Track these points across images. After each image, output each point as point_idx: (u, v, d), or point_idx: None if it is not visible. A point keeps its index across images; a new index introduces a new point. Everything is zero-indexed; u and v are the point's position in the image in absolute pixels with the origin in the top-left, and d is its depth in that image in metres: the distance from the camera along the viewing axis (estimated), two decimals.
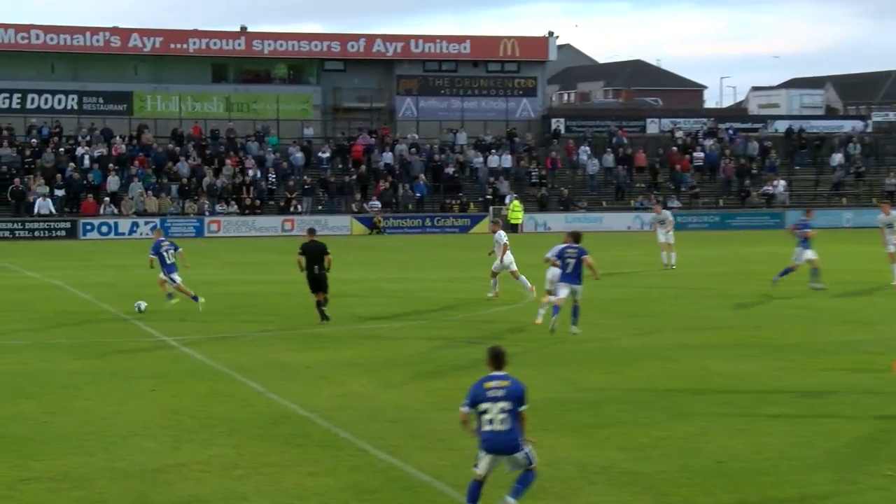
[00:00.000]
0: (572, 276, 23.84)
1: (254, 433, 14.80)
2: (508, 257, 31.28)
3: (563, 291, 23.86)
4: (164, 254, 29.36)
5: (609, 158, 79.54)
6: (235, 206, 71.81)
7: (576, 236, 24.81)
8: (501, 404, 11.14)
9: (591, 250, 24.92)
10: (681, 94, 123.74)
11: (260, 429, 15.07)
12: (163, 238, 30.18)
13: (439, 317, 27.53)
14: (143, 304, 28.19)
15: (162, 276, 29.27)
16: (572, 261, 23.87)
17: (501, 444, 11.15)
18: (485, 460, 11.24)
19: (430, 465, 13.26)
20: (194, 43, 79.19)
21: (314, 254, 26.30)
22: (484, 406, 11.15)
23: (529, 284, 30.46)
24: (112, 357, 21.19)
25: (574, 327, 23.81)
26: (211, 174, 73.16)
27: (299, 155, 76.66)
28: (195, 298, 28.65)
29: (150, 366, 20.13)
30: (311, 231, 27.62)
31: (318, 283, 26.30)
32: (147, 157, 73.82)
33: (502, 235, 31.75)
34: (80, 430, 14.94)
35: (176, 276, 29.17)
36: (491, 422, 11.12)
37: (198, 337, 23.76)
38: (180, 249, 29.89)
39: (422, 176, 75.53)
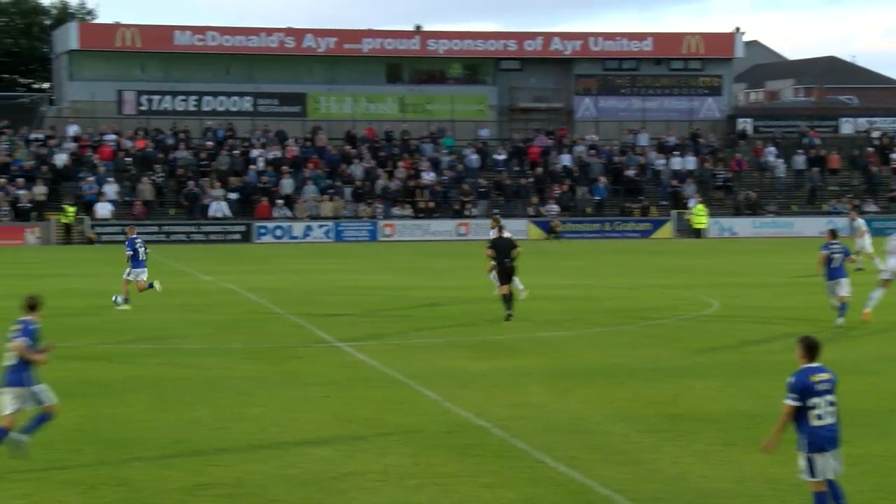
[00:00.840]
0: (839, 270, 26.42)
1: (429, 442, 14.97)
2: None
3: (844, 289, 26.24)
4: (139, 250, 31.32)
5: (800, 160, 78.00)
6: (409, 209, 72.53)
7: (833, 233, 27.56)
8: (829, 397, 11.19)
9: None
10: (878, 91, 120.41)
11: (435, 438, 15.23)
12: (136, 236, 32.15)
13: (618, 325, 27.39)
14: (120, 298, 30.50)
15: (127, 274, 31.23)
16: (838, 256, 26.45)
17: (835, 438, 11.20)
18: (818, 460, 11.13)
19: (609, 478, 13.24)
20: (368, 43, 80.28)
21: (503, 248, 28.41)
22: (814, 401, 11.10)
23: (521, 286, 30.89)
24: (286, 363, 21.65)
25: (840, 319, 25.99)
26: (385, 176, 74.07)
27: (474, 157, 77.08)
28: (150, 286, 31.18)
29: (323, 372, 20.50)
30: (500, 226, 29.88)
31: (507, 275, 28.16)
32: (321, 160, 75.15)
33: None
34: (254, 436, 15.31)
35: (144, 274, 31.29)
36: (821, 416, 11.13)
37: (371, 343, 24.11)
38: (148, 250, 32.36)
39: (601, 178, 75.20)
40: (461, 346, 23.98)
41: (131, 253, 31.35)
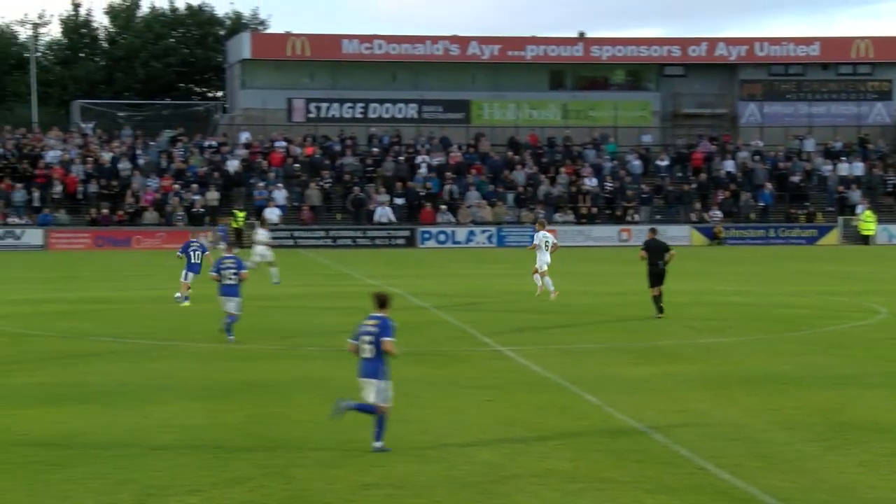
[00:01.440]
0: None
1: (590, 447, 14.86)
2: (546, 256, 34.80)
3: None
4: (191, 254, 33.23)
5: None
6: (571, 215, 72.31)
7: None
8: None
9: None
10: None
11: (597, 443, 15.12)
12: (194, 240, 34.35)
13: (782, 332, 26.87)
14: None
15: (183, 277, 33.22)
16: None
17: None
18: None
19: (774, 487, 12.96)
20: (532, 50, 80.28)
21: (656, 250, 29.54)
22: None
23: (552, 287, 33.35)
24: (449, 366, 21.73)
25: None
26: (547, 182, 73.97)
27: (637, 163, 76.51)
28: (185, 299, 32.69)
29: (486, 376, 20.52)
30: (653, 230, 31.22)
31: (658, 277, 29.36)
32: (484, 165, 75.39)
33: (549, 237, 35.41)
34: (418, 438, 15.38)
35: (191, 276, 33.11)
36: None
37: (534, 348, 24.06)
38: (207, 253, 33.80)
39: (766, 184, 73.94)
40: (623, 351, 23.79)
41: (183, 255, 33.52)
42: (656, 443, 15.13)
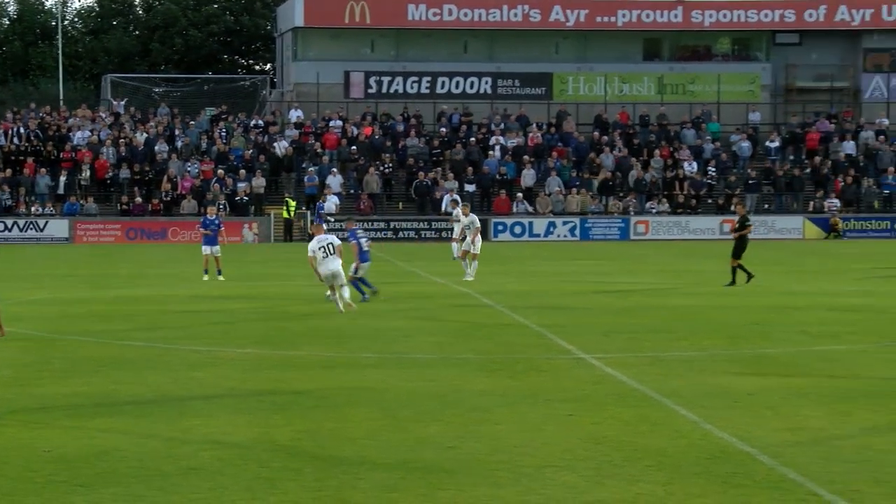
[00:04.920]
0: None
1: (686, 469, 14.83)
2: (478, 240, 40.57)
3: None
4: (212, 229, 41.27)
5: None
6: (666, 204, 72.05)
7: None
8: None
9: None
10: None
11: (693, 464, 15.09)
12: (214, 217, 42.33)
13: None
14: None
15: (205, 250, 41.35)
16: None
17: None
18: None
19: None
20: (624, 15, 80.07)
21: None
22: None
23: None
24: (525, 376, 21.75)
25: None
26: (639, 167, 73.74)
27: (744, 144, 76.15)
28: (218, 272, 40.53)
29: (567, 387, 20.52)
30: (741, 206, 41.09)
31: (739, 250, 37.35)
32: (567, 148, 75.29)
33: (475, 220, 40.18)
34: (489, 457, 15.43)
35: (217, 249, 41.39)
36: None
37: (623, 356, 24.03)
38: (223, 228, 42.04)
39: (891, 169, 73.25)
40: (726, 360, 23.68)
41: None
42: (762, 465, 15.07)
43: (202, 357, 23.96)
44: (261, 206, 69.92)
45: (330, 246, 30.89)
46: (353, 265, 33.72)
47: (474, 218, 41.67)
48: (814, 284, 39.96)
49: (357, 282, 33.23)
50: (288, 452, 15.69)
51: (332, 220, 50.90)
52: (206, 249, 41.76)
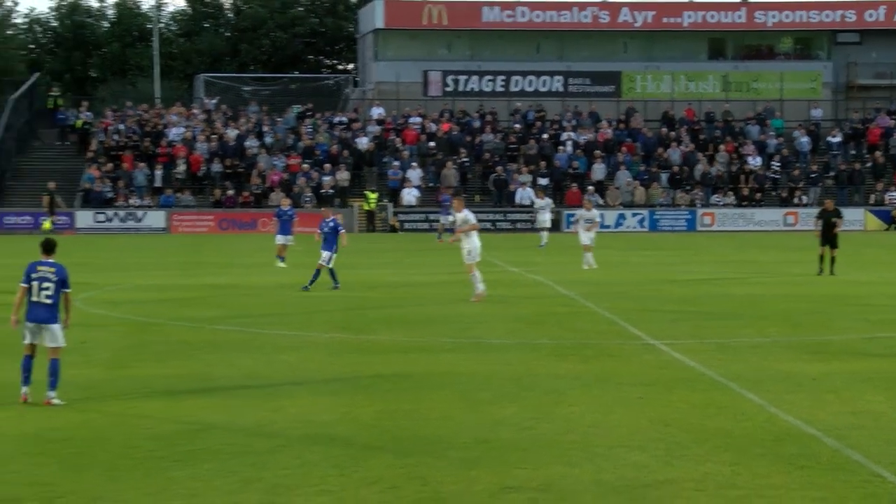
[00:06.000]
0: None
1: (752, 451, 14.70)
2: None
3: None
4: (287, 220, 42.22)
5: None
6: (732, 197, 71.53)
7: None
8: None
9: None
10: None
11: (759, 446, 14.96)
12: (287, 208, 43.15)
13: None
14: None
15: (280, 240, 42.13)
16: None
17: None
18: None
19: None
20: (689, 16, 79.55)
21: (830, 220, 38.35)
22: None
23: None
24: (597, 360, 21.67)
25: None
26: (705, 161, 73.26)
27: (805, 139, 75.38)
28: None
29: (637, 371, 20.42)
30: (830, 202, 41.18)
31: (830, 240, 37.89)
32: (635, 143, 74.93)
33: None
34: (563, 438, 15.38)
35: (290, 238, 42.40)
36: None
37: (690, 342, 23.88)
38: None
39: None
40: (790, 346, 23.47)
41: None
42: (826, 447, 14.91)
43: (289, 341, 24.08)
44: (345, 199, 70.13)
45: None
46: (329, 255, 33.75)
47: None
48: (875, 274, 39.53)
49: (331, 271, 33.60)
50: (371, 431, 15.73)
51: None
52: (279, 238, 42.38)
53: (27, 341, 17.22)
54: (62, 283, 17.07)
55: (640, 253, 50.88)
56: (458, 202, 31.24)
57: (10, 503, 12.38)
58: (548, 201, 57.91)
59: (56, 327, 17.12)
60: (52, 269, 17.09)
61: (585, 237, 41.33)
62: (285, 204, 43.86)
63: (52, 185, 66.63)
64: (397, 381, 19.46)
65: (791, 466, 13.94)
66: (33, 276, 17.07)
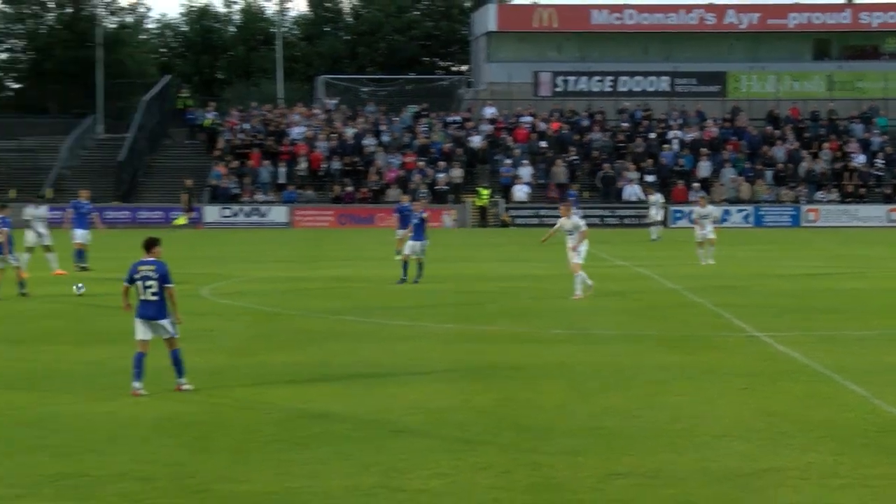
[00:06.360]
0: None
1: (855, 441, 14.50)
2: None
3: None
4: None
5: None
6: (836, 194, 70.49)
7: None
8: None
9: None
10: None
11: (862, 437, 14.74)
12: (408, 204, 39.94)
13: None
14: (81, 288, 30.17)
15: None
16: None
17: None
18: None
19: None
20: (794, 18, 78.53)
21: None
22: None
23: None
24: (702, 352, 21.49)
25: None
26: (809, 159, 72.28)
27: None
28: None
29: (742, 363, 20.22)
30: None
31: None
32: (740, 141, 74.12)
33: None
34: (669, 426, 15.28)
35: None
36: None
37: (794, 334, 23.59)
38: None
39: None
40: (894, 339, 23.07)
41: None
42: None
43: (406, 331, 24.19)
44: (458, 195, 70.25)
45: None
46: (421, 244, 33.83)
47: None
48: None
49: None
50: (484, 418, 15.76)
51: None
52: (400, 233, 42.40)
53: (139, 337, 17.17)
54: (163, 279, 16.99)
55: (745, 248, 50.32)
56: (565, 207, 30.41)
57: (145, 482, 12.61)
58: (659, 197, 57.87)
59: (166, 322, 17.11)
60: (153, 268, 17.04)
61: (701, 233, 40.89)
62: (405, 200, 44.04)
63: (189, 182, 67.75)
64: (511, 369, 19.47)
65: (894, 457, 13.73)
66: (136, 276, 17.07)
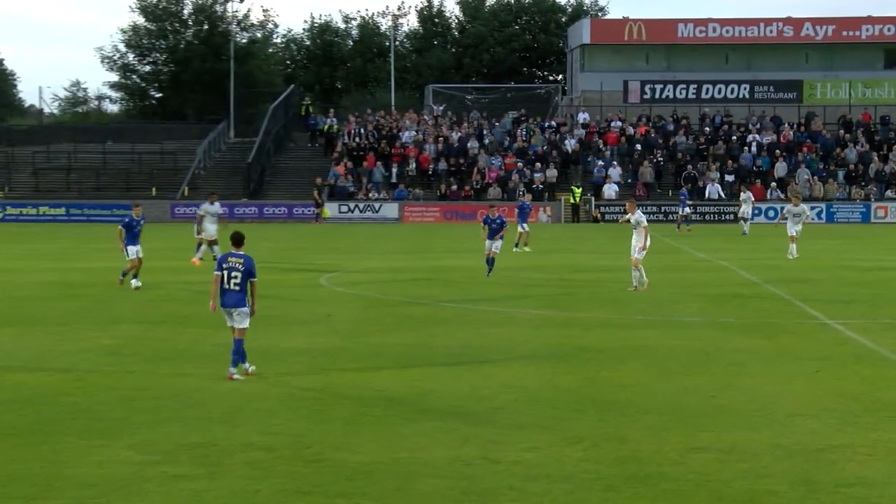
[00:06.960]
0: None
1: None
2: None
3: None
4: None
5: None
6: None
7: None
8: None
9: None
10: None
11: None
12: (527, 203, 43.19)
13: None
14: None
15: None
16: None
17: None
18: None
19: None
20: (867, 29, 77.13)
21: None
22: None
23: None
24: (778, 337, 21.16)
25: None
26: (879, 160, 70.96)
27: None
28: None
29: (814, 348, 19.88)
30: None
31: None
32: (814, 144, 73.00)
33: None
34: (746, 406, 15.06)
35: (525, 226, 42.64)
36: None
37: (863, 321, 23.14)
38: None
39: None
40: None
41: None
42: None
43: (500, 317, 24.12)
44: (553, 193, 70.01)
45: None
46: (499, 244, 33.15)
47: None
48: None
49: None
50: (572, 397, 15.66)
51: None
52: (520, 228, 43.39)
53: (230, 324, 16.90)
54: (248, 273, 16.64)
55: (818, 242, 49.50)
56: (631, 204, 29.77)
57: (267, 451, 12.69)
58: (748, 195, 57.69)
59: (244, 310, 16.71)
60: (241, 261, 16.70)
61: (792, 229, 40.07)
62: (527, 199, 45.10)
63: (318, 180, 68.57)
64: (596, 352, 19.33)
65: None
66: (224, 265, 16.73)
